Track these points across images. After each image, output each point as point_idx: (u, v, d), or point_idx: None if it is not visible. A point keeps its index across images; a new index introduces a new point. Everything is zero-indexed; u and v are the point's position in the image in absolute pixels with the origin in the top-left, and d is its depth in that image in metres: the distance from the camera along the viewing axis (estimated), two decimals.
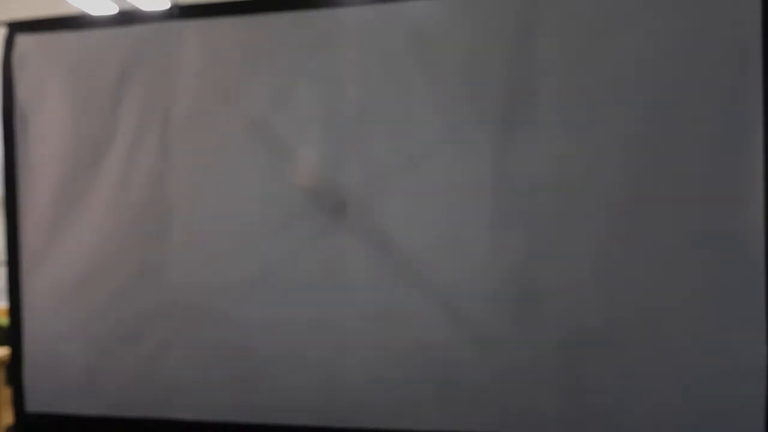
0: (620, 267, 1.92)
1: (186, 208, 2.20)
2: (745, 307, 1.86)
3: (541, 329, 1.96)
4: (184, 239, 2.20)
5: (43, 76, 2.30)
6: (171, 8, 2.24)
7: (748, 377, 1.85)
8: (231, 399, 2.17)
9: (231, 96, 2.17)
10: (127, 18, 2.28)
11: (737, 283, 1.86)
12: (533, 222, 1.97)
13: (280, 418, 2.14)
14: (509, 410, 1.99)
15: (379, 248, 2.06)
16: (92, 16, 2.33)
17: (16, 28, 2.34)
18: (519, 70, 1.98)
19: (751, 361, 1.85)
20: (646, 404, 1.91)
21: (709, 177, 1.88)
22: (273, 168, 2.14)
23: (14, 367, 2.36)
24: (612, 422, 1.93)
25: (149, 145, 2.22)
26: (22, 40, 2.32)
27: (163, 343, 2.22)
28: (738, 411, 1.86)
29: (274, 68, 2.14)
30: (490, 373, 2.00)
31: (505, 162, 1.98)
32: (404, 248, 2.05)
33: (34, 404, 2.34)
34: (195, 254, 2.19)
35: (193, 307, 2.19)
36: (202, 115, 2.19)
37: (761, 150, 1.85)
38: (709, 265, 1.88)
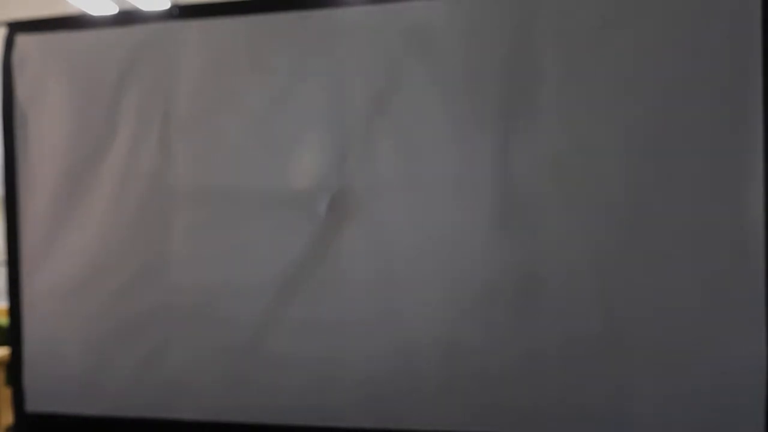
0: (620, 266, 1.92)
1: (186, 208, 2.20)
2: (745, 308, 1.86)
3: (541, 329, 1.97)
4: (184, 239, 2.20)
5: (43, 76, 2.30)
6: (171, 8, 2.24)
7: (748, 378, 1.85)
8: (231, 399, 2.17)
9: (231, 96, 2.17)
10: (127, 18, 2.28)
11: (737, 283, 1.86)
12: (533, 221, 1.97)
13: (280, 418, 2.14)
14: (509, 410, 1.99)
15: (379, 247, 2.06)
16: (92, 16, 2.33)
17: (16, 28, 2.33)
18: (518, 69, 1.98)
19: (751, 361, 1.85)
20: (646, 404, 1.91)
21: (709, 176, 1.88)
22: (273, 167, 2.14)
23: (14, 367, 2.36)
24: (612, 422, 1.94)
25: (149, 144, 2.22)
26: (22, 40, 2.32)
27: (164, 342, 2.22)
28: (738, 412, 1.86)
29: (274, 68, 2.14)
30: (490, 373, 2.00)
31: (505, 160, 1.99)
32: (404, 247, 2.05)
33: (34, 404, 2.34)
34: (195, 254, 2.19)
35: (193, 307, 2.19)
36: (202, 115, 2.19)
37: (761, 150, 1.85)
38: (709, 264, 1.88)
